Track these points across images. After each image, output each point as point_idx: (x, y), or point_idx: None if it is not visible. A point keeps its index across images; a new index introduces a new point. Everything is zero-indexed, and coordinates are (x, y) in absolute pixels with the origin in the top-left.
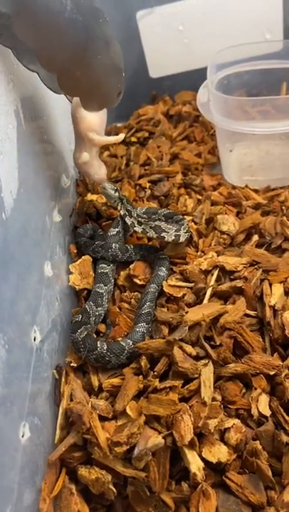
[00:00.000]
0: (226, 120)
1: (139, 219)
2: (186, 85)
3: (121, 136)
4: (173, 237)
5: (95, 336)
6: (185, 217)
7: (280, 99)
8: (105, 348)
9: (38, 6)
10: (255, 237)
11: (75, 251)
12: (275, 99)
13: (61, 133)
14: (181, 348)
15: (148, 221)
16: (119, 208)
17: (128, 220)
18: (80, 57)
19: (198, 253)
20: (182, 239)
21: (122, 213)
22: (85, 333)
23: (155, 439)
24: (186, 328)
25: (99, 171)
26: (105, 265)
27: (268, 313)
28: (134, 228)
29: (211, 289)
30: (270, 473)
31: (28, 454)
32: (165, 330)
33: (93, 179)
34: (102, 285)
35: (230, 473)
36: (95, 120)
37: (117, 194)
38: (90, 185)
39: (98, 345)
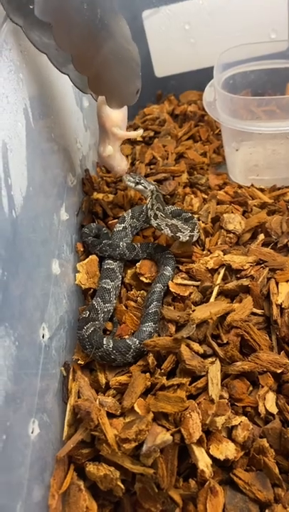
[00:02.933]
0: (232, 119)
1: (159, 213)
2: (192, 85)
3: (140, 131)
4: (187, 238)
5: (102, 333)
6: (193, 215)
7: (285, 98)
8: (111, 345)
9: (74, 16)
10: (261, 236)
11: (82, 249)
12: (281, 98)
13: (68, 132)
14: (188, 345)
15: (165, 218)
16: (148, 199)
17: (149, 212)
18: (108, 59)
19: (205, 252)
20: (194, 239)
21: (148, 205)
22: (92, 329)
23: (163, 436)
24: (194, 326)
25: (121, 163)
26: (112, 261)
27: (275, 311)
28: (150, 222)
29: (217, 287)
30: (277, 471)
31: (37, 451)
32: (172, 328)
33: (116, 171)
34: (108, 281)
35: (237, 470)
36: (118, 116)
37: (139, 186)
38: (96, 184)
39: (104, 343)
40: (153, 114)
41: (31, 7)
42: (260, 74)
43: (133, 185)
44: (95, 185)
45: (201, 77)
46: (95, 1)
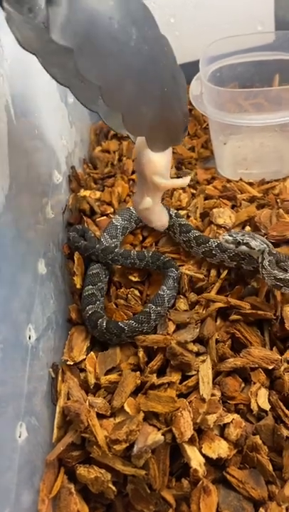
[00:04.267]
0: (219, 113)
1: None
2: None
3: (187, 179)
4: None
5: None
6: None
7: (272, 91)
8: (104, 326)
9: (102, 38)
10: (247, 229)
11: (68, 251)
12: (268, 91)
13: (53, 129)
14: (179, 344)
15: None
16: (258, 259)
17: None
18: (147, 90)
19: None
20: None
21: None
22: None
23: (155, 436)
24: (198, 330)
25: (162, 218)
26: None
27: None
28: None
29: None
30: (270, 468)
31: (25, 455)
32: (172, 327)
33: (155, 226)
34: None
35: (230, 468)
36: (161, 162)
37: (242, 247)
38: (83, 181)
39: (98, 323)
40: None
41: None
42: (248, 66)
43: (233, 246)
44: (82, 182)
45: (187, 71)
46: (128, 18)
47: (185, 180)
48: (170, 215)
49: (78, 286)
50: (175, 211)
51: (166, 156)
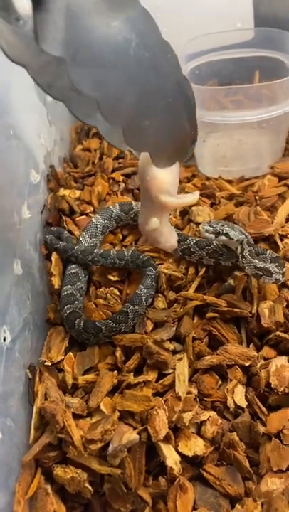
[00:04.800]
0: (199, 110)
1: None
2: None
3: (197, 195)
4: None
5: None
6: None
7: (252, 87)
8: (82, 326)
9: (97, 45)
10: None
11: (46, 252)
12: (248, 87)
13: (29, 128)
14: (156, 342)
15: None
16: (238, 250)
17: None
18: (149, 102)
19: None
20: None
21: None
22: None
23: (130, 435)
24: (174, 328)
25: (170, 238)
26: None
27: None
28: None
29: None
30: (247, 464)
31: (0, 456)
32: (150, 325)
33: (164, 248)
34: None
35: (207, 465)
36: (167, 179)
37: (221, 237)
38: (63, 180)
39: (76, 323)
40: None
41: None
42: (227, 63)
43: (212, 236)
44: (62, 181)
45: None
46: (128, 24)
47: (194, 197)
48: None
49: (56, 286)
50: None
51: (173, 172)
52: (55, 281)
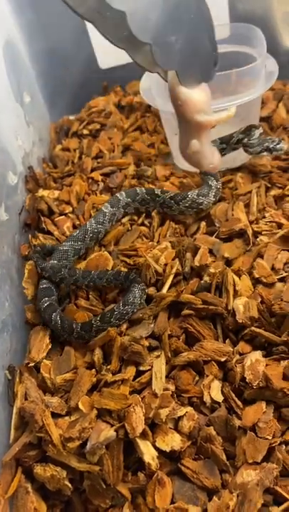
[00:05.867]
0: (168, 103)
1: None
2: (138, 75)
3: (233, 110)
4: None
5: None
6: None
7: (220, 75)
8: (59, 322)
9: None
10: (203, 224)
11: (26, 253)
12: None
13: (6, 130)
14: (134, 340)
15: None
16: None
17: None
18: (174, 15)
19: (151, 243)
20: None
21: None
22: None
23: (107, 433)
24: (152, 325)
25: (213, 159)
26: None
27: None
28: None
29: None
30: (224, 457)
31: None
32: (123, 324)
33: (208, 170)
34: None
35: (185, 460)
36: (201, 98)
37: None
38: (42, 180)
39: (52, 318)
40: (98, 106)
41: None
42: None
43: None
44: (41, 181)
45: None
46: None
47: (231, 111)
48: (156, 194)
49: (29, 298)
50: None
51: (205, 92)
52: (29, 293)
